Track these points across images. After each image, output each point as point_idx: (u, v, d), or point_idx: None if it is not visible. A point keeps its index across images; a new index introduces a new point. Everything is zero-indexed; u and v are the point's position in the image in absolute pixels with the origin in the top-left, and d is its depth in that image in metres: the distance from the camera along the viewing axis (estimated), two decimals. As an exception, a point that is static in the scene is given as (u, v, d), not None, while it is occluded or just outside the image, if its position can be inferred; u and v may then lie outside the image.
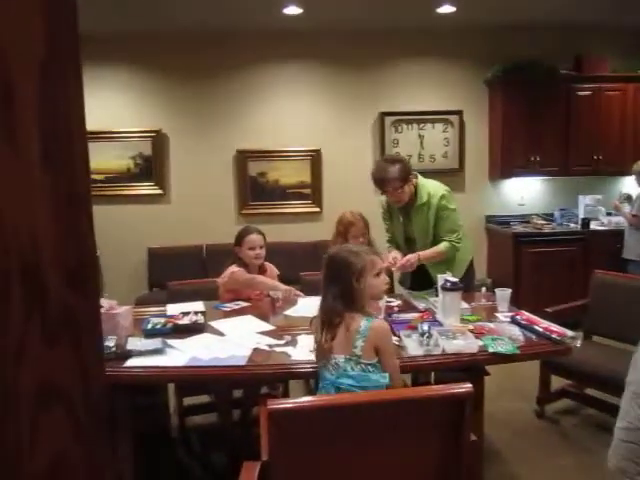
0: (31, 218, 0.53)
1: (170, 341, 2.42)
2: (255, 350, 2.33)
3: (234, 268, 3.14)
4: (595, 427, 3.19)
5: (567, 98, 5.09)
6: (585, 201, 5.26)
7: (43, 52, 0.52)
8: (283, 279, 4.20)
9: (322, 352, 2.03)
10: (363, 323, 1.96)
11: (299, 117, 5.27)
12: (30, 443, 0.55)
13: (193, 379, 2.42)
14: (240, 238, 3.18)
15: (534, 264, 4.91)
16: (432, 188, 3.12)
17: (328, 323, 2.01)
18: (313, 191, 5.37)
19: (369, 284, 2.03)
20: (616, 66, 5.21)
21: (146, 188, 5.22)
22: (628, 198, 4.78)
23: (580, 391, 3.34)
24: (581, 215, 5.20)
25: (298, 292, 3.21)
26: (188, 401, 3.16)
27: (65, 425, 0.57)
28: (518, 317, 2.57)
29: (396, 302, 2.97)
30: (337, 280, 2.04)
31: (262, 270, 3.25)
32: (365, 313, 2.01)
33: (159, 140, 5.17)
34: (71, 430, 0.57)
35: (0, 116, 0.50)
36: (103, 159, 5.09)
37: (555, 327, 2.42)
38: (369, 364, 1.95)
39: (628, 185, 5.38)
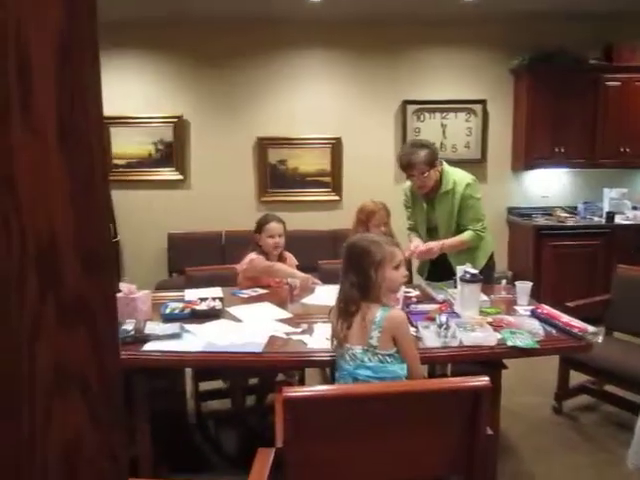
0: (47, 201, 0.53)
1: (187, 326, 2.44)
2: (272, 337, 2.33)
3: (253, 255, 3.15)
4: (614, 425, 3.14)
5: (595, 88, 4.97)
6: (610, 194, 5.14)
7: (61, 33, 0.51)
8: (301, 267, 4.20)
9: (338, 341, 2.02)
10: (379, 313, 1.94)
11: (320, 105, 5.24)
12: (44, 427, 0.55)
13: (209, 365, 2.44)
14: (260, 226, 3.18)
15: (556, 258, 4.83)
16: (458, 176, 3.09)
17: (344, 312, 2.01)
18: (333, 179, 5.34)
19: (387, 276, 2.00)
20: (647, 56, 5.07)
21: (167, 174, 5.25)
22: None
23: (600, 388, 3.29)
24: (606, 209, 5.09)
25: (316, 280, 3.21)
26: (204, 386, 3.18)
27: (80, 410, 0.57)
28: (538, 311, 2.54)
29: (414, 293, 2.95)
30: (355, 269, 2.02)
31: (281, 259, 3.25)
32: (382, 304, 2.00)
33: (180, 126, 5.18)
34: (86, 415, 0.57)
35: (17, 97, 0.49)
36: (125, 144, 5.13)
37: (576, 322, 2.38)
38: (387, 354, 1.93)
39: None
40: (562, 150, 4.99)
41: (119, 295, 2.55)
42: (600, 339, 2.29)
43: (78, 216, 0.55)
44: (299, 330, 2.42)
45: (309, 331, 2.42)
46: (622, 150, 5.02)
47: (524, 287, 2.78)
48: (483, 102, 5.21)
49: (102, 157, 0.57)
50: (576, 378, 3.27)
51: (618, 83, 4.98)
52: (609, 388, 3.22)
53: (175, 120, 5.16)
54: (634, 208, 5.13)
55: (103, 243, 0.58)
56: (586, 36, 5.02)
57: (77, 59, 0.53)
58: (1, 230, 0.51)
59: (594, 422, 3.20)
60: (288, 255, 3.33)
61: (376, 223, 3.12)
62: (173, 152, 5.21)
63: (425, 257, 3.06)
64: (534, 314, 2.53)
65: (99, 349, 0.58)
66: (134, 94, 5.12)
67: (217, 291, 3.03)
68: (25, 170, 0.51)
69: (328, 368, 3.27)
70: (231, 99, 5.20)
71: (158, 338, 2.28)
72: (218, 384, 3.14)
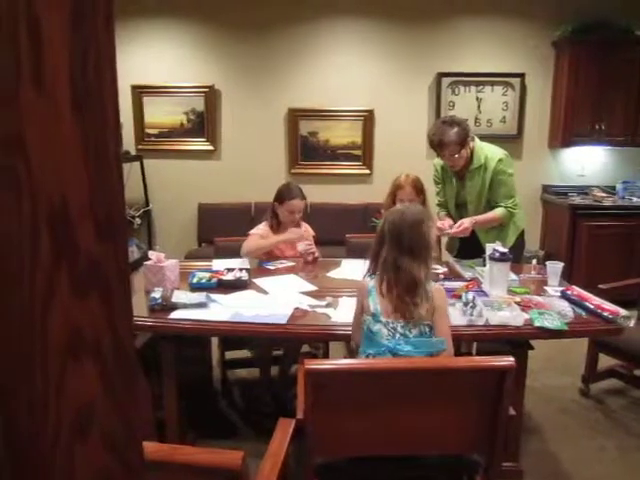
0: (59, 165, 0.52)
1: (214, 296, 2.47)
2: (296, 309, 2.34)
3: (257, 230, 3.12)
4: (643, 409, 3.08)
5: (641, 62, 4.74)
6: (652, 174, 4.96)
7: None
8: (330, 241, 4.19)
9: (380, 318, 1.95)
10: (427, 286, 1.94)
11: (353, 76, 5.15)
12: (57, 392, 0.56)
13: (235, 334, 2.47)
14: (282, 198, 3.11)
15: (591, 238, 4.70)
16: (490, 151, 3.01)
17: (409, 289, 1.93)
18: (364, 152, 5.27)
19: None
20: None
21: (198, 144, 5.26)
22: None
23: (629, 372, 3.22)
24: (646, 189, 4.92)
25: (313, 252, 3.15)
26: (230, 355, 3.23)
27: (93, 375, 0.57)
28: (569, 292, 2.48)
29: (442, 269, 2.91)
30: (412, 242, 1.95)
31: (296, 227, 3.22)
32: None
33: (212, 96, 5.17)
34: (99, 380, 0.58)
35: (28, 59, 0.49)
36: (157, 113, 5.15)
37: (607, 305, 2.31)
38: (426, 324, 1.91)
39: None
40: (602, 127, 4.81)
41: (148, 263, 2.59)
42: (632, 323, 2.24)
43: (91, 181, 0.54)
44: (324, 303, 2.43)
45: (334, 304, 2.42)
46: (667, 128, 4.81)
47: (555, 267, 2.72)
48: (521, 75, 5.04)
49: (116, 122, 0.56)
50: (605, 361, 3.21)
51: (666, 56, 4.74)
52: (639, 373, 3.16)
53: (206, 90, 5.14)
54: (676, 189, 4.94)
55: (117, 208, 0.57)
56: (633, 6, 4.78)
57: (90, 21, 0.52)
58: (13, 194, 0.50)
59: (622, 406, 3.14)
60: (305, 225, 3.30)
61: (401, 197, 3.06)
62: (204, 122, 5.22)
63: (460, 235, 3.00)
64: (564, 295, 2.48)
65: (112, 315, 0.58)
66: (166, 63, 5.12)
67: (244, 262, 3.05)
68: (37, 133, 0.51)
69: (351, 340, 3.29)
70: (263, 70, 5.15)
71: (185, 307, 2.31)
72: (243, 353, 3.18)
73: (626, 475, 2.53)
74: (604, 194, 4.96)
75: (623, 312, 2.23)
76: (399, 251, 1.94)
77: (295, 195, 3.12)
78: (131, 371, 0.61)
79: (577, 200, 4.90)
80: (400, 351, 1.90)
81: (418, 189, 3.06)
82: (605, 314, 2.23)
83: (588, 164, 5.20)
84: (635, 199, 4.91)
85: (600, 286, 3.07)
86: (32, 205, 0.51)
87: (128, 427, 0.61)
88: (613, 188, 5.07)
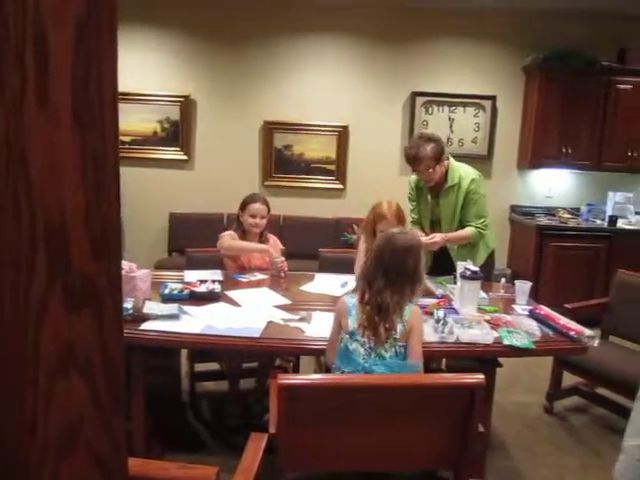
0: (59, 182, 0.52)
1: (186, 307, 2.45)
2: (270, 323, 2.34)
3: (225, 232, 3.17)
4: (603, 427, 3.16)
5: (607, 91, 4.93)
6: (615, 198, 5.13)
7: (80, 9, 0.50)
8: (302, 255, 4.21)
9: (357, 337, 1.97)
10: (407, 308, 1.97)
11: (329, 92, 5.20)
12: (46, 407, 0.55)
13: (207, 347, 2.45)
14: (245, 204, 3.19)
15: (556, 258, 4.83)
16: (464, 171, 3.09)
17: (385, 311, 1.97)
18: (338, 167, 5.32)
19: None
20: (661, 61, 5.02)
21: (171, 153, 5.23)
22: None
23: (591, 390, 3.31)
24: (609, 212, 5.08)
25: (283, 265, 3.16)
26: (199, 367, 3.19)
27: (82, 391, 0.57)
28: (536, 311, 2.54)
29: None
30: (400, 269, 2.01)
31: (264, 241, 3.24)
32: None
33: (187, 105, 5.15)
34: (88, 396, 0.57)
35: (33, 74, 0.49)
36: (131, 121, 5.10)
37: (573, 324, 2.38)
38: (402, 345, 1.95)
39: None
40: (569, 151, 4.97)
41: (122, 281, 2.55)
42: (596, 343, 2.30)
43: (89, 198, 0.54)
44: (297, 317, 2.43)
45: (307, 318, 2.43)
46: (629, 154, 5.00)
47: (523, 287, 2.78)
48: (493, 98, 5.18)
49: (115, 138, 0.57)
50: (569, 379, 3.29)
51: (629, 86, 4.95)
52: (600, 391, 3.24)
53: (182, 99, 5.13)
54: (637, 213, 5.13)
55: (113, 226, 0.57)
56: (600, 38, 4.98)
57: (95, 38, 0.53)
58: (11, 210, 0.50)
59: (584, 423, 3.22)
60: (272, 238, 3.33)
61: (382, 228, 2.93)
62: (179, 131, 5.19)
63: (429, 248, 3.03)
64: (532, 314, 2.54)
65: (103, 333, 0.58)
66: (142, 71, 5.09)
67: (217, 274, 3.04)
68: (38, 149, 0.51)
69: (323, 356, 3.29)
70: (240, 81, 5.17)
71: (157, 318, 2.28)
72: (213, 366, 3.15)
73: (588, 492, 2.59)
74: (569, 216, 5.11)
75: (588, 332, 2.30)
76: (377, 273, 2.00)
77: (256, 199, 3.19)
78: (120, 388, 0.61)
79: (544, 221, 5.04)
80: (375, 372, 1.93)
81: (400, 218, 2.93)
82: (571, 333, 2.30)
83: (555, 186, 5.36)
84: (599, 221, 5.07)
85: (566, 306, 3.16)
86: (31, 220, 0.51)
87: (115, 443, 0.61)
88: (578, 210, 5.24)
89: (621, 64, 4.99)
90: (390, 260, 1.99)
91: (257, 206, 3.16)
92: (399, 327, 1.94)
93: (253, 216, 3.15)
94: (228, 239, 3.14)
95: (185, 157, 5.24)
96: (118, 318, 0.60)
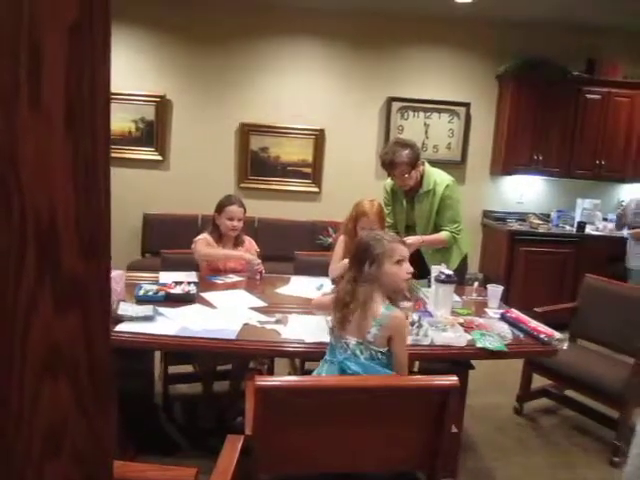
0: (50, 183, 0.53)
1: (161, 309, 2.43)
2: (245, 325, 2.34)
3: (200, 237, 3.14)
4: (571, 428, 3.24)
5: (576, 100, 5.07)
6: (583, 205, 5.27)
7: (74, 14, 0.51)
8: (277, 257, 4.21)
9: (334, 331, 2.03)
10: (382, 311, 1.93)
11: (306, 95, 5.23)
12: (32, 408, 0.55)
13: (183, 349, 2.43)
14: (221, 206, 3.16)
15: (527, 263, 4.94)
16: (439, 177, 3.14)
17: (342, 304, 2.00)
18: (314, 171, 5.34)
19: (387, 271, 1.98)
20: (628, 72, 5.19)
21: (146, 153, 5.18)
22: None
23: (560, 392, 3.39)
24: (578, 218, 5.22)
25: (260, 267, 3.16)
26: (173, 369, 3.17)
27: (68, 393, 0.57)
28: (508, 314, 2.60)
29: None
30: (357, 263, 2.03)
31: (239, 243, 3.23)
32: (388, 302, 1.99)
33: (163, 106, 5.11)
34: (74, 398, 0.57)
35: (27, 76, 0.49)
36: (105, 120, 5.03)
37: (543, 328, 2.44)
38: (379, 351, 1.93)
39: (628, 192, 5.41)
40: (540, 158, 5.09)
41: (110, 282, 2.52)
42: (565, 345, 2.37)
43: (79, 200, 0.55)
44: (273, 319, 2.43)
45: (283, 321, 2.43)
46: (597, 162, 5.14)
47: (495, 290, 2.84)
48: (467, 105, 5.27)
49: (107, 140, 0.57)
50: (538, 381, 3.36)
51: (598, 96, 5.09)
52: (569, 393, 3.33)
53: (157, 99, 5.09)
54: (604, 220, 5.27)
55: (103, 227, 0.58)
56: (571, 48, 5.12)
57: (88, 42, 0.53)
58: (2, 210, 0.50)
59: (552, 425, 3.30)
60: (248, 240, 3.32)
61: (363, 225, 2.95)
62: (154, 132, 5.15)
63: None
64: (504, 317, 2.59)
65: (91, 333, 0.58)
66: (116, 70, 4.99)
67: (192, 275, 3.02)
68: (30, 150, 0.51)
69: (298, 359, 3.30)
70: (216, 83, 5.15)
71: (132, 319, 2.26)
72: (187, 368, 3.13)
73: (556, 491, 2.66)
74: (540, 221, 5.23)
75: (557, 335, 2.36)
76: (351, 265, 2.04)
77: (233, 202, 3.17)
78: (106, 389, 0.61)
79: (515, 226, 5.15)
80: (348, 368, 1.94)
81: (381, 217, 2.98)
82: (541, 336, 2.36)
83: (526, 192, 5.48)
84: (568, 227, 5.20)
85: (535, 309, 3.23)
86: (21, 219, 0.51)
87: (100, 445, 0.61)
88: (548, 216, 5.37)
89: (590, 74, 5.13)
90: (366, 252, 2.01)
91: (234, 209, 3.14)
92: (373, 330, 1.92)
93: (230, 219, 3.13)
94: (202, 246, 3.10)
95: (160, 157, 5.20)
96: (105, 319, 0.60)
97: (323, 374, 2.02)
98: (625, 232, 4.47)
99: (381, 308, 1.94)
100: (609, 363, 3.14)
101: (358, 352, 1.94)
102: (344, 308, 1.98)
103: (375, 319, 1.93)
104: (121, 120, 5.08)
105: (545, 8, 4.61)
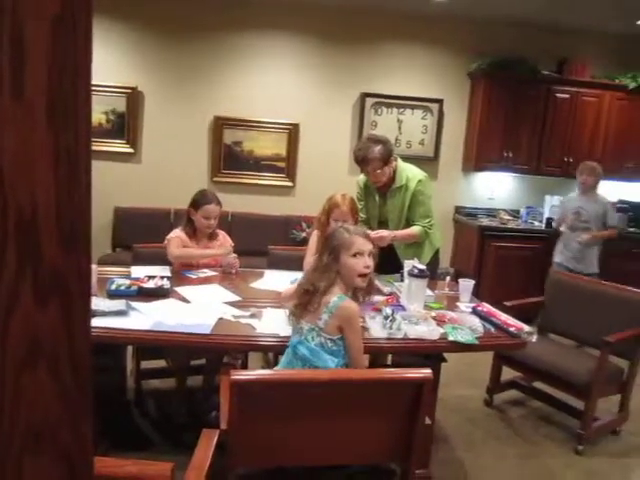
0: (31, 175, 0.52)
1: (134, 304, 2.40)
2: (220, 320, 2.33)
3: (173, 235, 3.11)
4: (539, 419, 3.33)
5: (546, 99, 5.18)
6: (552, 201, 5.38)
7: (56, 6, 0.51)
8: (250, 251, 4.19)
9: (295, 317, 2.09)
10: (333, 300, 1.98)
11: (281, 89, 5.21)
12: (12, 402, 0.55)
13: (157, 343, 2.41)
14: (198, 203, 3.12)
15: (497, 258, 5.04)
16: (411, 172, 3.16)
17: (304, 291, 2.06)
18: (287, 165, 5.33)
19: (342, 263, 2.04)
20: (596, 72, 5.31)
21: (117, 145, 5.09)
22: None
23: (528, 384, 3.47)
24: (546, 214, 5.33)
25: (235, 262, 3.17)
26: (145, 364, 3.14)
27: (49, 385, 0.56)
28: (479, 308, 2.65)
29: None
30: (320, 254, 2.12)
31: (214, 237, 3.22)
32: (342, 290, 2.04)
33: (134, 97, 5.03)
34: (55, 391, 0.57)
35: (9, 68, 0.48)
36: (75, 111, 4.93)
37: (513, 321, 2.50)
38: (329, 339, 1.98)
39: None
40: (510, 155, 5.18)
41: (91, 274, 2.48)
42: (534, 338, 2.42)
43: (60, 192, 0.54)
44: (248, 314, 2.43)
45: (258, 315, 2.43)
46: (565, 160, 5.26)
47: (467, 285, 2.89)
48: (440, 102, 5.33)
49: (88, 133, 0.57)
50: (508, 373, 3.44)
51: (567, 96, 5.20)
52: (537, 384, 3.41)
53: (129, 91, 5.00)
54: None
55: (83, 219, 0.58)
56: (542, 48, 5.21)
57: (71, 34, 0.53)
58: (-16, 200, 0.50)
59: (521, 415, 3.38)
60: (222, 234, 3.30)
61: (335, 217, 2.97)
62: (125, 124, 5.06)
63: (377, 243, 3.08)
64: (475, 311, 2.64)
65: (71, 326, 0.58)
66: (87, 60, 4.92)
67: (165, 270, 2.99)
68: (11, 141, 0.51)
69: (272, 352, 3.31)
70: (190, 75, 5.09)
71: (104, 314, 2.23)
72: (160, 363, 3.11)
73: (524, 478, 2.73)
74: (509, 217, 5.33)
75: (527, 328, 2.42)
76: (317, 256, 2.14)
77: (210, 200, 3.13)
78: (86, 383, 0.61)
79: (485, 222, 5.24)
80: (298, 351, 2.02)
81: (354, 210, 3.03)
82: (511, 329, 2.41)
83: (497, 188, 5.58)
84: (537, 223, 5.32)
85: (505, 303, 3.29)
86: (2, 210, 0.50)
87: (81, 439, 0.61)
88: (518, 212, 5.47)
89: (560, 74, 5.24)
90: (332, 243, 2.07)
91: (212, 208, 3.11)
92: (324, 316, 1.97)
93: (207, 218, 3.10)
94: (175, 247, 3.06)
95: (131, 150, 5.12)
96: (86, 311, 0.60)
97: (283, 358, 2.13)
98: (563, 228, 4.51)
99: (334, 297, 1.99)
100: (575, 355, 3.23)
101: (310, 337, 2.01)
102: (305, 295, 2.04)
103: (327, 306, 1.98)
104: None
105: (518, 8, 4.68)
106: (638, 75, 5.16)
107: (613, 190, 5.59)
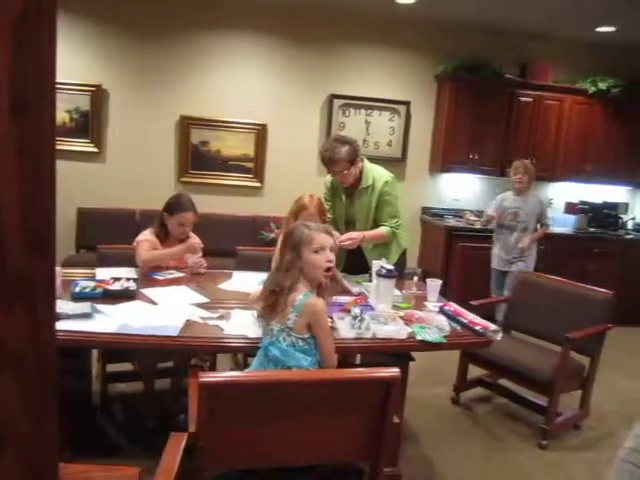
0: (-6, 176, 0.51)
1: (99, 306, 2.36)
2: (188, 321, 2.31)
3: (142, 237, 3.05)
4: (504, 415, 3.40)
5: (510, 102, 5.29)
6: (515, 202, 5.49)
7: (20, 4, 0.50)
8: (219, 252, 4.16)
9: (264, 318, 2.10)
10: (299, 298, 1.98)
11: (248, 89, 5.18)
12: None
13: (123, 346, 2.37)
14: (174, 209, 3.07)
15: (464, 258, 5.12)
16: (378, 173, 3.18)
17: (270, 290, 2.06)
18: (255, 165, 5.31)
19: (305, 259, 2.04)
20: (558, 77, 5.45)
21: (81, 145, 4.99)
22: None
23: (494, 381, 3.54)
24: (510, 215, 5.43)
25: (201, 261, 3.15)
26: (111, 367, 3.09)
27: (13, 391, 0.55)
28: (446, 308, 2.68)
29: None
30: (282, 252, 2.11)
31: (184, 238, 3.18)
32: (308, 289, 2.04)
33: (98, 96, 4.93)
34: (19, 397, 0.56)
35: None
36: (36, 109, 4.81)
37: (479, 320, 2.54)
38: (300, 338, 1.99)
39: (556, 191, 5.71)
40: (476, 157, 5.28)
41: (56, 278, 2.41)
42: (500, 337, 2.47)
43: (24, 193, 0.53)
44: (216, 315, 2.41)
45: (226, 316, 2.42)
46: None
47: (434, 285, 2.93)
48: (407, 103, 5.39)
49: (52, 131, 0.56)
50: (474, 371, 3.50)
51: (530, 99, 5.33)
52: (502, 382, 3.48)
53: (93, 89, 4.91)
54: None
55: (47, 222, 0.57)
56: (506, 52, 5.33)
57: (35, 30, 0.52)
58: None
59: (487, 412, 3.44)
60: (192, 236, 3.27)
61: (303, 219, 3.01)
62: (89, 123, 4.96)
63: (346, 246, 3.10)
64: (442, 310, 2.68)
65: (36, 328, 0.57)
66: (50, 57, 4.80)
67: (131, 271, 2.95)
68: (-28, 141, 0.49)
69: (240, 354, 3.29)
70: (156, 74, 5.02)
71: (68, 317, 2.18)
72: (126, 366, 3.05)
73: (490, 472, 2.79)
74: (475, 218, 5.41)
75: (492, 327, 2.46)
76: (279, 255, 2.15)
77: (187, 208, 3.09)
78: (51, 388, 0.59)
79: (452, 222, 5.32)
80: (270, 352, 2.02)
81: (321, 211, 3.06)
82: (477, 328, 2.45)
83: (463, 190, 5.67)
84: (501, 224, 5.41)
85: (471, 302, 3.35)
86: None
87: (45, 444, 0.59)
88: (483, 213, 5.55)
89: (523, 78, 5.36)
90: (292, 242, 2.08)
91: (189, 215, 3.07)
92: (292, 316, 1.97)
93: (182, 225, 3.07)
94: (145, 251, 2.99)
95: (96, 149, 5.02)
96: (51, 315, 0.59)
97: (255, 360, 2.11)
98: (493, 225, 4.61)
99: (299, 295, 2.00)
100: (539, 352, 3.31)
101: (281, 338, 2.01)
102: (271, 296, 2.04)
103: (293, 306, 1.98)
104: (54, 110, 4.86)
105: (482, 13, 4.78)
106: (598, 80, 5.32)
107: (574, 191, 5.76)
